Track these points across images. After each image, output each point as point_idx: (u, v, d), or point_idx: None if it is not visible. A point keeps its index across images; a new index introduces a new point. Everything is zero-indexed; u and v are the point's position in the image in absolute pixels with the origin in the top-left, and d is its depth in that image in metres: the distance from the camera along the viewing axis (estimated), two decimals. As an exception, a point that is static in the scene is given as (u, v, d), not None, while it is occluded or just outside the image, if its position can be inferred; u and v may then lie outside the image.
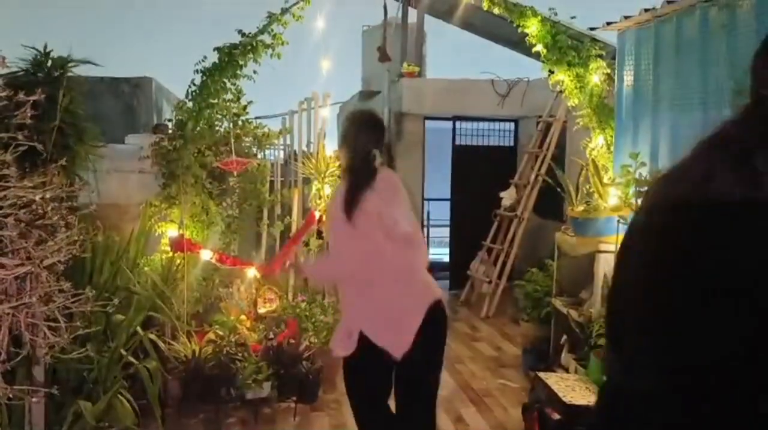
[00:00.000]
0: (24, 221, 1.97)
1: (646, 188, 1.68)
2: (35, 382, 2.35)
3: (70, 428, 2.92)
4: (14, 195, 1.90)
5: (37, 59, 4.21)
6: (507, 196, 7.81)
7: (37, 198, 1.96)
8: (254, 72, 5.05)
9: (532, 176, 7.45)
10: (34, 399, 2.38)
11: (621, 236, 1.70)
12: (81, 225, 2.64)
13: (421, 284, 2.84)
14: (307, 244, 5.37)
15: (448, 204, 9.08)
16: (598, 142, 5.18)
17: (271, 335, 4.60)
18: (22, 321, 2.04)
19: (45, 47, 4.23)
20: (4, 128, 2.01)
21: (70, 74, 4.24)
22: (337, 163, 5.22)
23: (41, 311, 2.11)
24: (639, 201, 4.11)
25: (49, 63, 4.21)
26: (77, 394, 3.10)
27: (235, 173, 4.92)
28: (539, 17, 5.23)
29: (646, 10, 4.61)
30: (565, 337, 4.80)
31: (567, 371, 4.49)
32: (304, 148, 5.77)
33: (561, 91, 5.41)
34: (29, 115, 2.04)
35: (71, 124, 4.17)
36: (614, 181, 4.55)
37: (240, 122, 5.17)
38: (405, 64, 8.79)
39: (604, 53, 5.27)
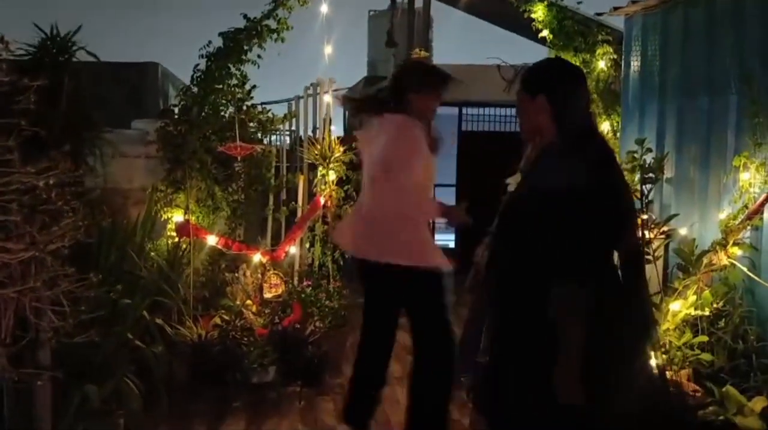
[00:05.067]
0: (28, 206, 1.98)
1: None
2: (40, 365, 2.38)
3: (77, 411, 2.95)
4: (18, 180, 1.91)
5: (44, 43, 4.20)
6: (513, 183, 7.77)
7: (41, 183, 1.97)
8: (258, 57, 5.04)
9: (539, 162, 7.41)
10: (39, 382, 2.41)
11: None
12: (86, 210, 2.65)
13: None
14: (312, 229, 5.38)
15: (453, 190, 9.06)
16: (604, 128, 5.16)
17: (277, 320, 4.63)
18: (27, 305, 2.06)
19: (52, 30, 4.22)
20: (8, 113, 2.02)
21: (75, 59, 4.25)
22: (342, 149, 5.22)
23: (46, 296, 2.13)
24: (643, 186, 4.10)
25: (55, 48, 4.20)
26: (84, 378, 3.12)
27: (239, 158, 4.92)
28: (545, 2, 5.19)
29: (654, -5, 4.57)
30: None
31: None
32: (310, 134, 5.76)
33: (567, 77, 5.37)
34: (33, 100, 2.05)
35: (77, 109, 4.18)
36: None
37: (245, 107, 5.16)
38: (417, 50, 8.72)
39: (611, 39, 5.24)
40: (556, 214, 2.04)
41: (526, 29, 5.88)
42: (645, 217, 4.06)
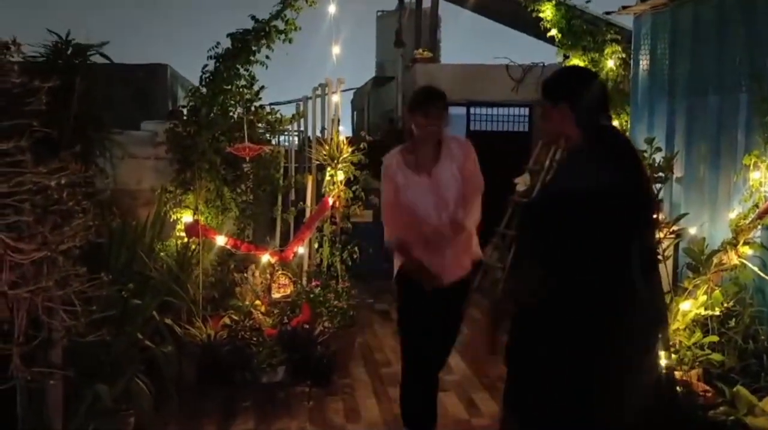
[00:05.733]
0: (40, 206, 1.99)
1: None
2: (52, 365, 2.39)
3: (88, 410, 2.97)
4: (30, 181, 1.93)
5: (58, 46, 4.24)
6: (521, 183, 7.77)
7: (52, 184, 1.98)
8: (267, 57, 5.05)
9: (547, 162, 7.40)
10: (51, 381, 2.43)
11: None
12: (96, 211, 2.67)
13: None
14: (320, 229, 5.39)
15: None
16: (613, 127, 5.15)
17: (286, 320, 4.63)
18: (40, 305, 2.07)
19: (68, 34, 4.26)
20: (19, 114, 2.03)
21: (88, 62, 4.28)
22: (350, 150, 5.23)
23: (58, 295, 2.14)
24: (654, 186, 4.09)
25: (70, 50, 4.24)
26: (95, 377, 3.14)
27: (247, 159, 4.94)
28: (554, 1, 5.18)
29: (663, -6, 4.56)
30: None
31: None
32: (318, 134, 5.77)
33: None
34: (44, 101, 2.06)
35: (88, 111, 4.21)
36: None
37: (253, 108, 5.18)
38: (421, 50, 8.75)
39: (619, 38, 5.22)
40: (579, 212, 2.13)
41: (535, 29, 5.87)
42: (654, 216, 4.05)
